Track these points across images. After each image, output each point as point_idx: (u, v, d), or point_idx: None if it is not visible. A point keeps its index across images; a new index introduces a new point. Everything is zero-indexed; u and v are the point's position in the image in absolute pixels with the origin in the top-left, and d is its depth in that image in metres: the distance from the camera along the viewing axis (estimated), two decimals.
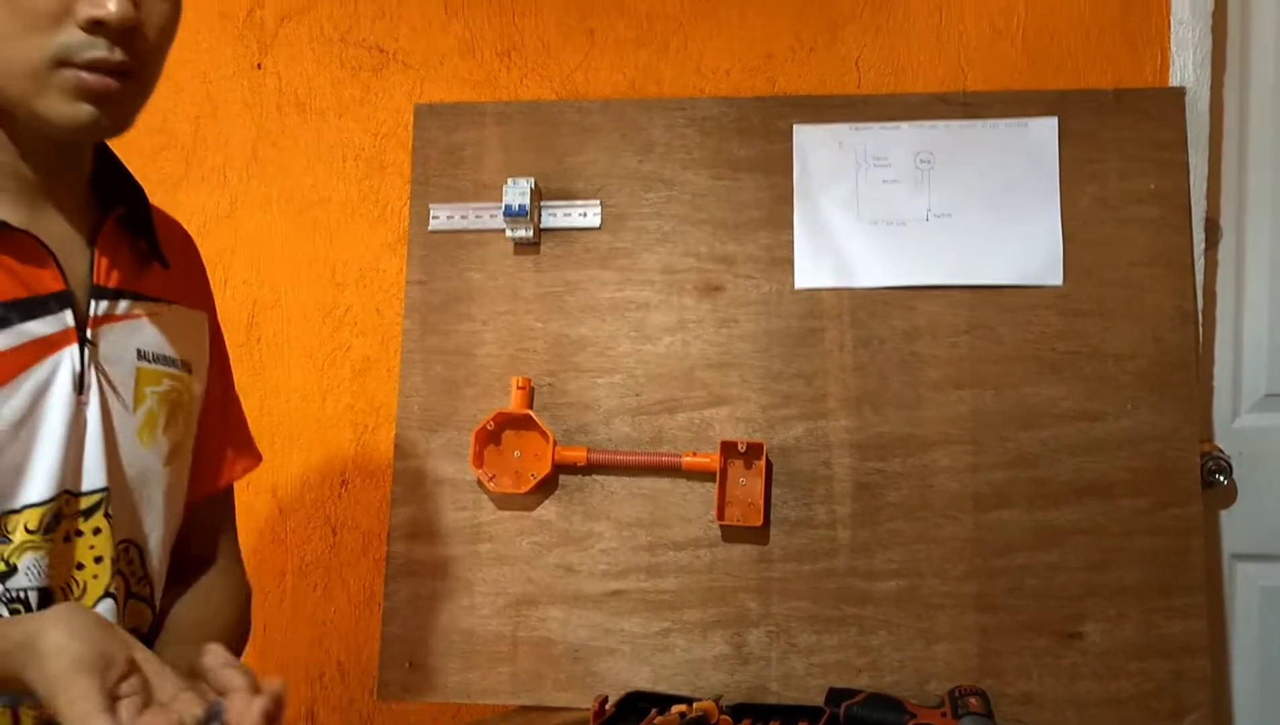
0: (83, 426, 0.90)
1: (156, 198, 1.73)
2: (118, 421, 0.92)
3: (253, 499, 1.71)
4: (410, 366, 1.53)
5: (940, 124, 1.49)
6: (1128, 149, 1.46)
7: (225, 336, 1.71)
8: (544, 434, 1.47)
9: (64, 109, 0.84)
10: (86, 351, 0.90)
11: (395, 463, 1.51)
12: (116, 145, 1.72)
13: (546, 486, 1.48)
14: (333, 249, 1.69)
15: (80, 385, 0.89)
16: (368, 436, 1.69)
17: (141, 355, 0.96)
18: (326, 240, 1.69)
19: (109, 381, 0.92)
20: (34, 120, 0.85)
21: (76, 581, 0.90)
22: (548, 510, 1.49)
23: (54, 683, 0.72)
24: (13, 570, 0.85)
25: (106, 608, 0.91)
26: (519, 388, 1.49)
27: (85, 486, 0.90)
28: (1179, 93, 1.48)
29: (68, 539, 0.89)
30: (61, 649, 0.73)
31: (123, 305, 0.96)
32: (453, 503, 1.50)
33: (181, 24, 1.71)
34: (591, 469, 1.48)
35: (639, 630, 1.45)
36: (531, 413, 1.48)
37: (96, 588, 0.91)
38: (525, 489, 1.47)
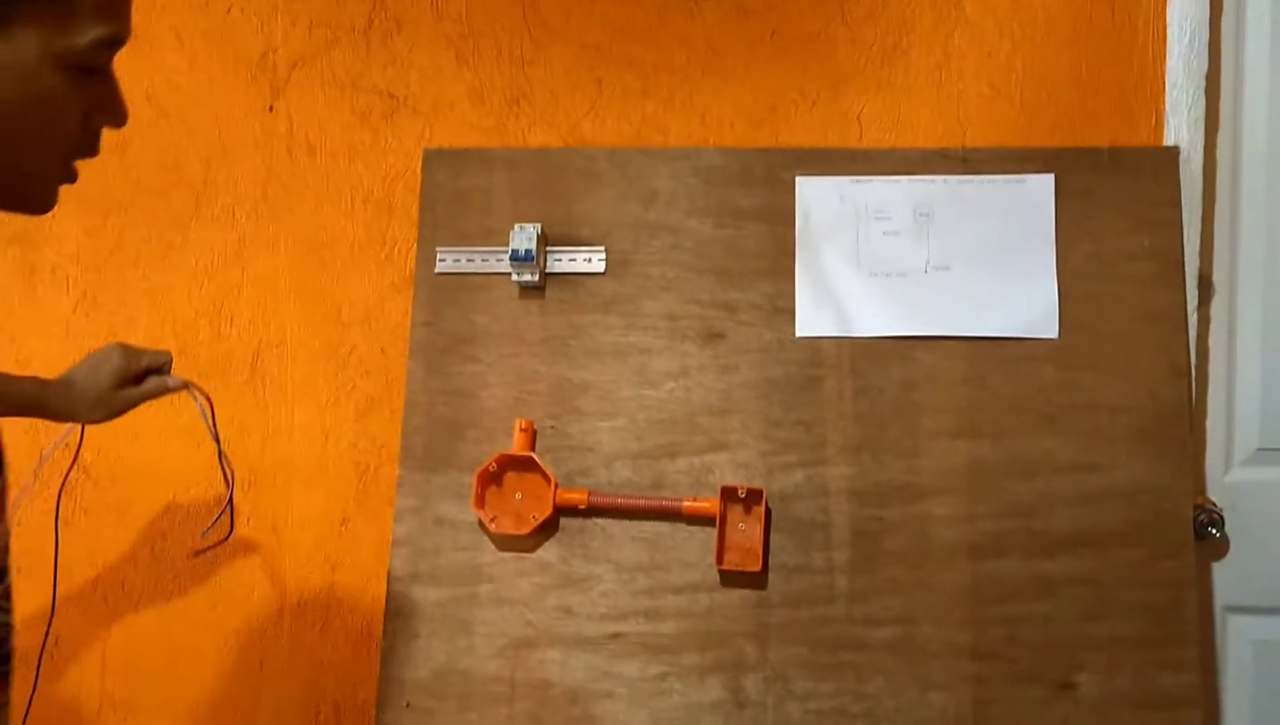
0: None
1: (166, 236, 1.76)
2: None
3: (253, 534, 1.72)
4: (414, 407, 1.55)
5: (939, 179, 1.52)
6: (1123, 206, 1.49)
7: (232, 373, 1.73)
8: (546, 476, 1.48)
9: (51, 198, 0.87)
10: None
11: (397, 502, 1.52)
12: (129, 183, 1.75)
13: (547, 528, 1.49)
14: (339, 289, 1.71)
15: None
16: (369, 476, 1.70)
17: None
18: (333, 280, 1.71)
19: None
20: (14, 203, 0.86)
21: None
22: (548, 552, 1.50)
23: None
24: None
25: None
26: (521, 430, 1.50)
27: None
28: (1173, 152, 1.51)
29: None
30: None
31: None
32: (453, 543, 1.51)
33: (196, 66, 1.75)
34: (592, 512, 1.49)
35: (637, 674, 1.46)
36: (533, 455, 1.49)
37: None
38: (526, 531, 1.48)
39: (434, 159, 1.61)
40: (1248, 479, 1.58)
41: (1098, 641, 1.40)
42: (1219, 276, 1.58)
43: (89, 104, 0.84)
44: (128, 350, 1.37)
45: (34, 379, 1.33)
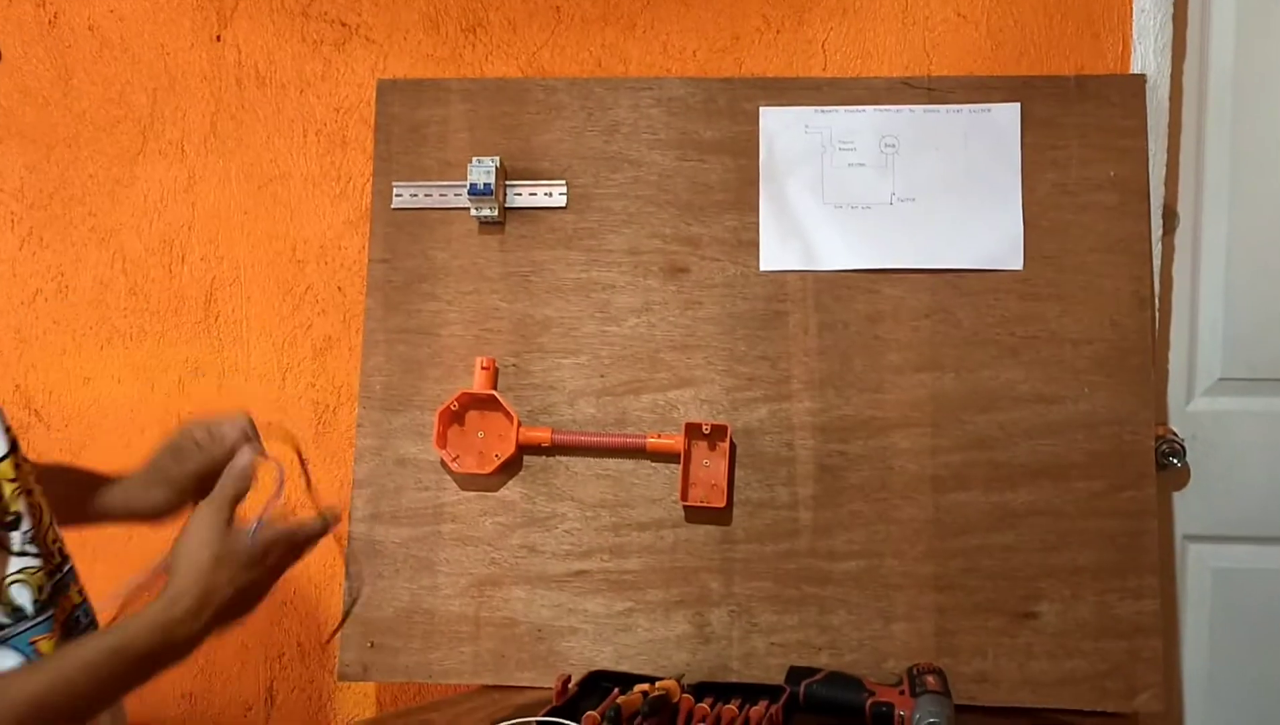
0: None
1: (113, 171, 1.71)
2: None
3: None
4: (373, 346, 1.52)
5: (905, 108, 1.50)
6: (1088, 135, 1.47)
7: (185, 313, 1.69)
8: (508, 415, 1.47)
9: None
10: None
11: (357, 442, 1.50)
12: (73, 117, 1.70)
13: (510, 467, 1.48)
14: (293, 226, 1.67)
15: None
16: (329, 416, 1.67)
17: None
18: (287, 216, 1.67)
19: None
20: None
21: (37, 506, 0.97)
22: (511, 491, 1.48)
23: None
24: (18, 518, 0.94)
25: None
26: (483, 368, 1.48)
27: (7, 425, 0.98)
28: (1139, 80, 1.50)
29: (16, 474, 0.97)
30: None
31: None
32: (415, 483, 1.49)
33: None
34: (556, 450, 1.48)
35: (602, 610, 1.46)
36: (496, 393, 1.47)
37: (44, 508, 0.99)
38: (489, 470, 1.47)
39: (388, 90, 1.56)
40: (1209, 409, 1.59)
41: (1059, 571, 1.41)
42: (1183, 206, 1.57)
43: None
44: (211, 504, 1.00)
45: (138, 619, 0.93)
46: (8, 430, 0.96)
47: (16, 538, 0.93)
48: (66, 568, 1.00)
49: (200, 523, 0.97)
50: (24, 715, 0.83)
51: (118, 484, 1.16)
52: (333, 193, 1.66)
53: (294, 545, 1.02)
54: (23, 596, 0.93)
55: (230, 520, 0.98)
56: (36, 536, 0.95)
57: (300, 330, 1.67)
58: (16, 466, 0.95)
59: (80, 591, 1.02)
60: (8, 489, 0.93)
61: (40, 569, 0.94)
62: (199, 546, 0.95)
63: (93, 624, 1.01)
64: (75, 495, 1.13)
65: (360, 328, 1.56)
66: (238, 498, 1.00)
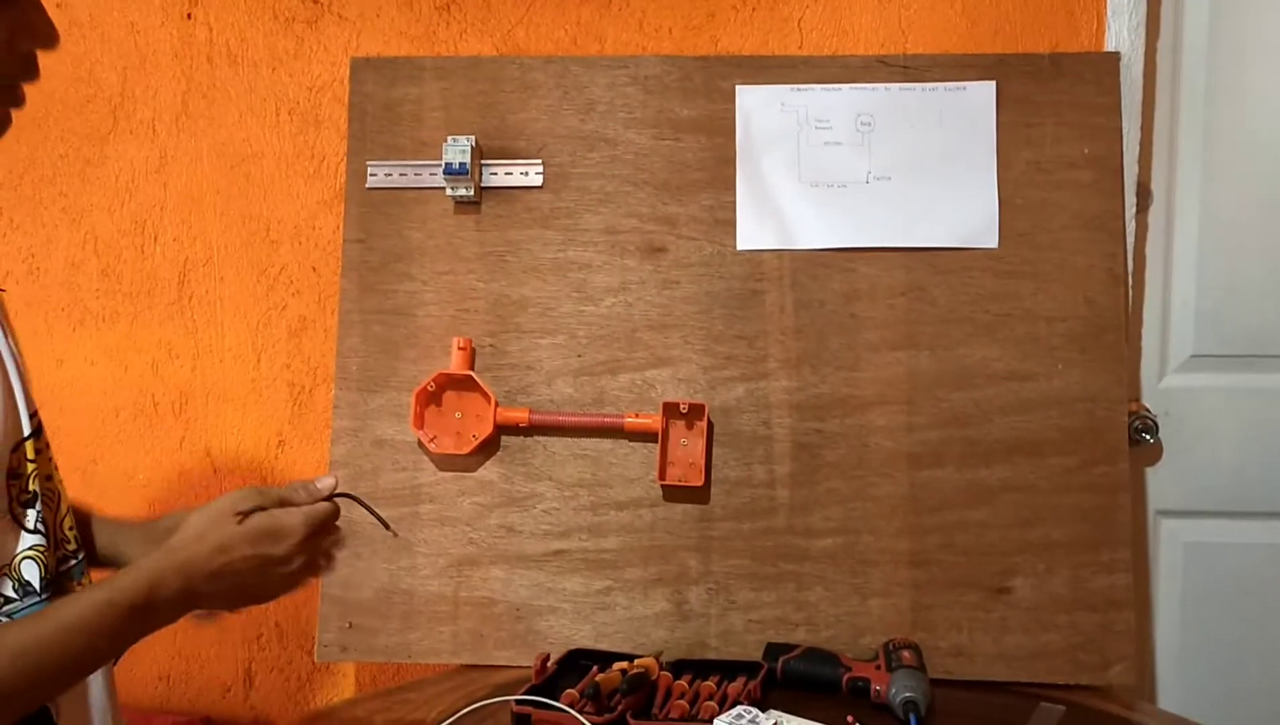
0: (13, 357, 0.97)
1: (83, 151, 1.69)
2: (18, 352, 1.00)
3: (186, 459, 1.69)
4: (348, 327, 1.51)
5: (881, 87, 1.50)
6: (1063, 113, 1.48)
7: (158, 294, 1.68)
8: (485, 395, 1.47)
9: None
10: None
11: (334, 423, 1.50)
12: (42, 96, 1.67)
13: (488, 447, 1.48)
14: (267, 205, 1.66)
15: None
16: (304, 397, 1.67)
17: None
18: (260, 196, 1.66)
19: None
20: None
21: (54, 492, 0.99)
22: (489, 471, 1.48)
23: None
24: (34, 497, 0.95)
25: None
26: (460, 348, 1.48)
27: (34, 409, 0.99)
28: (1114, 58, 1.50)
29: (38, 456, 0.98)
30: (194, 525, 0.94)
31: None
32: (393, 464, 1.49)
33: None
34: (533, 430, 1.48)
35: (580, 589, 1.46)
36: (473, 373, 1.47)
37: (62, 494, 1.01)
38: (467, 450, 1.47)
39: (362, 68, 1.55)
40: (1181, 385, 1.60)
41: (1033, 546, 1.43)
42: (1157, 184, 1.58)
43: (9, 29, 0.84)
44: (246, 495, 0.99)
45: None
46: (34, 415, 0.97)
47: (31, 515, 0.94)
48: (77, 559, 1.00)
49: (231, 499, 0.96)
50: (16, 664, 0.82)
51: (123, 530, 1.14)
52: (306, 172, 1.65)
53: (315, 521, 0.99)
54: (32, 573, 0.93)
55: (253, 502, 0.96)
56: (48, 519, 0.96)
57: (275, 311, 1.66)
58: (38, 451, 0.96)
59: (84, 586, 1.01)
60: (28, 469, 0.94)
61: (46, 548, 0.95)
62: (214, 520, 0.94)
63: None
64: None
65: (335, 308, 1.55)
66: (281, 502, 0.99)
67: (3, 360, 0.94)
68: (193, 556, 0.92)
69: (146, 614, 0.90)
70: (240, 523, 0.95)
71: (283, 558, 0.96)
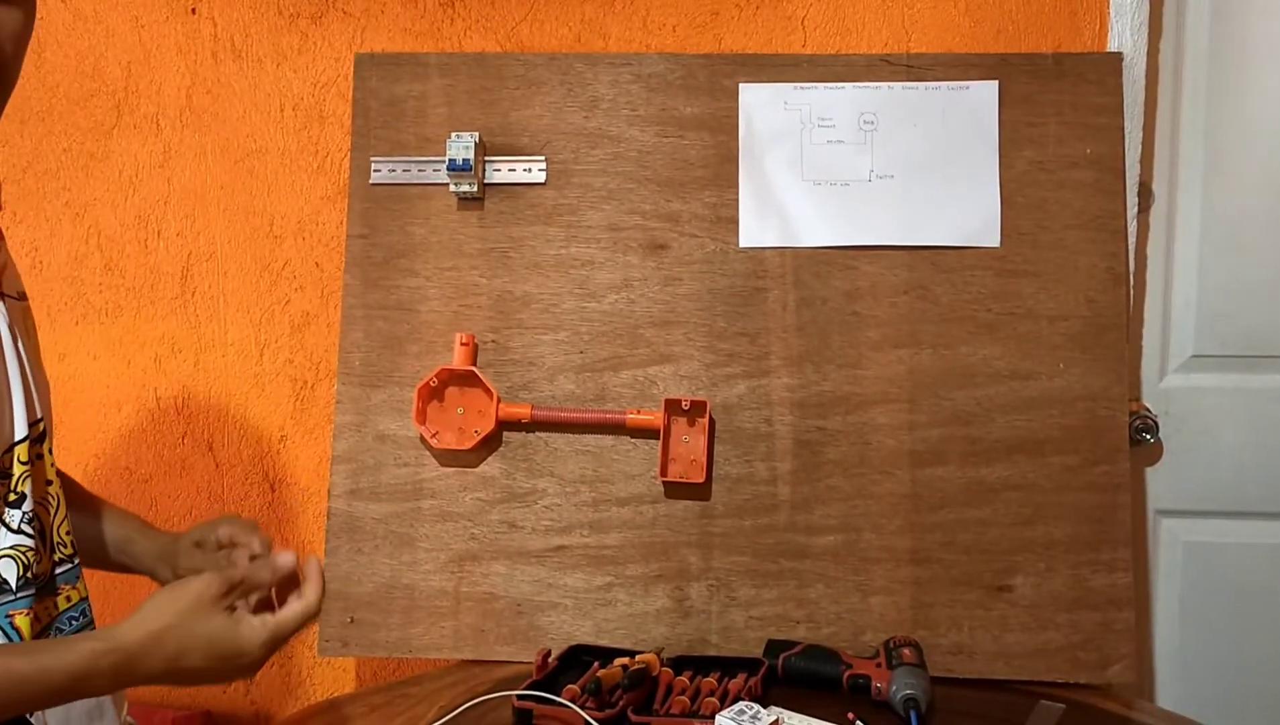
0: (18, 363, 0.97)
1: (87, 146, 1.69)
2: (30, 356, 1.00)
3: (188, 454, 1.69)
4: (351, 322, 1.51)
5: (884, 85, 1.50)
6: (1065, 113, 1.48)
7: (161, 289, 1.68)
8: (488, 391, 1.47)
9: None
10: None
11: (336, 418, 1.50)
12: (46, 90, 1.68)
13: (490, 443, 1.48)
14: (270, 201, 1.66)
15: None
16: (307, 392, 1.67)
17: (4, 295, 1.00)
18: (264, 192, 1.66)
19: (9, 320, 0.98)
20: None
21: (51, 497, 0.99)
22: (491, 467, 1.49)
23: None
24: (21, 497, 0.94)
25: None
26: (463, 344, 1.48)
27: (37, 415, 0.98)
28: (1116, 58, 1.50)
29: (37, 461, 0.98)
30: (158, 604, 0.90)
31: None
32: (395, 459, 1.49)
33: None
34: (535, 426, 1.48)
35: (582, 585, 1.46)
36: (475, 369, 1.47)
37: (61, 501, 1.00)
38: (469, 446, 1.47)
39: (366, 64, 1.55)
40: (1182, 385, 1.60)
41: (1033, 545, 1.43)
42: (1158, 184, 1.58)
43: None
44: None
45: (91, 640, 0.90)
46: (38, 422, 0.97)
47: (16, 515, 0.94)
48: (71, 564, 1.00)
49: (195, 593, 0.91)
50: None
51: (138, 540, 1.15)
52: (310, 168, 1.65)
53: (279, 641, 0.95)
54: (8, 571, 0.93)
55: (220, 600, 0.91)
56: (45, 523, 0.96)
57: (278, 306, 1.67)
58: (38, 456, 0.96)
59: (70, 598, 1.00)
60: (18, 470, 0.94)
61: (32, 550, 0.95)
62: (176, 619, 0.90)
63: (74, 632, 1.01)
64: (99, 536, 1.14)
65: (338, 303, 1.55)
66: (247, 588, 0.95)
67: (5, 366, 0.94)
68: (143, 657, 0.88)
69: (77, 693, 0.88)
70: (200, 622, 0.90)
71: (239, 668, 0.93)
